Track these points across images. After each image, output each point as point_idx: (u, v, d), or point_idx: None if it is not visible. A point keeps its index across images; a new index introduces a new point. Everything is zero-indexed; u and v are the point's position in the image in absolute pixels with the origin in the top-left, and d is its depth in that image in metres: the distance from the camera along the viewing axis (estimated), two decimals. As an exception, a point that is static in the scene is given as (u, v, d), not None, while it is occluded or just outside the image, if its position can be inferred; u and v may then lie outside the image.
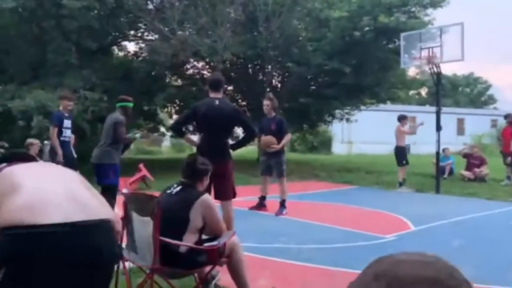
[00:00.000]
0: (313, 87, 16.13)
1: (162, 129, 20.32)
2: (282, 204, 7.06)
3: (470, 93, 52.06)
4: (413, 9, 13.05)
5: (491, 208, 7.68)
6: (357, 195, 9.65)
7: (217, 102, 4.39)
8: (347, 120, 17.94)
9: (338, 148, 28.19)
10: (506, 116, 11.44)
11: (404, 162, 9.89)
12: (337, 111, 17.19)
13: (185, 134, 4.75)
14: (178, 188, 3.05)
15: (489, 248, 5.03)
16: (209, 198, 3.08)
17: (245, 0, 12.50)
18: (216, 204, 3.25)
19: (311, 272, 4.07)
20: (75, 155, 7.03)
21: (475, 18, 68.34)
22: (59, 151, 6.53)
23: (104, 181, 5.78)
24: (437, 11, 13.20)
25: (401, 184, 9.93)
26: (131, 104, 6.08)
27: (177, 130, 4.65)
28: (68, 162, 6.74)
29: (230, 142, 4.90)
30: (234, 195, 4.49)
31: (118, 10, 12.48)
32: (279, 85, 16.71)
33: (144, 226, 2.85)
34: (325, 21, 13.11)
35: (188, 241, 2.88)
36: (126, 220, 3.04)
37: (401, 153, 9.93)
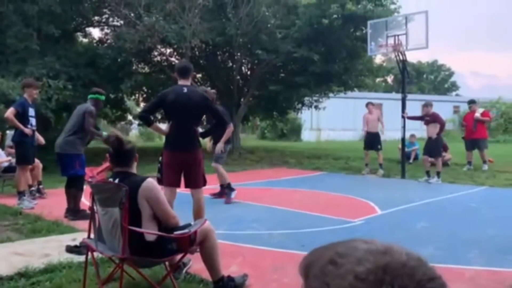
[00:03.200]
0: (283, 75, 16.18)
1: (130, 117, 19.95)
2: (226, 188, 6.96)
3: (434, 80, 53.53)
4: (380, -4, 13.22)
5: (453, 191, 7.99)
6: (326, 181, 9.82)
7: (185, 89, 4.32)
8: (316, 107, 18.13)
9: (308, 135, 28.49)
10: (469, 102, 11.77)
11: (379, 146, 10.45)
12: (306, 98, 17.34)
13: (153, 122, 4.67)
14: (117, 181, 2.86)
15: (451, 229, 5.24)
16: (151, 181, 2.86)
17: (213, -14, 12.32)
18: (159, 188, 3.02)
19: (281, 257, 4.14)
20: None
21: (439, 6, 69.93)
22: (21, 126, 6.20)
23: (69, 172, 5.66)
24: (403, -1, 13.45)
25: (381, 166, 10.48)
26: (103, 97, 6.07)
27: (145, 119, 4.57)
28: (32, 152, 6.55)
29: (200, 130, 4.86)
30: (204, 183, 4.44)
31: (82, -6, 12.06)
32: (248, 72, 16.67)
33: (111, 216, 2.80)
34: (294, 8, 13.13)
35: (147, 227, 2.84)
36: (93, 210, 2.99)
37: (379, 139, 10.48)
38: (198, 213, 4.32)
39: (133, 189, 2.77)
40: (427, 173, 9.24)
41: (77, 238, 4.32)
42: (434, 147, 9.24)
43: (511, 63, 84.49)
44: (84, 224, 4.17)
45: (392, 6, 13.49)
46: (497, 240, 4.72)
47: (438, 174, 9.17)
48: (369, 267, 0.58)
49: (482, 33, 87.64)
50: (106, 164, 9.77)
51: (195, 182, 4.36)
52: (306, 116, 26.77)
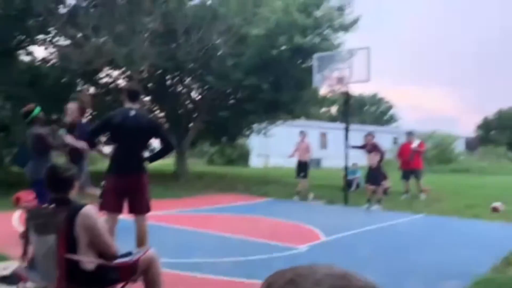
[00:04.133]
0: (232, 101, 16.34)
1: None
2: None
3: (375, 112, 56.28)
4: (326, 32, 13.85)
5: (393, 218, 8.33)
6: (273, 207, 9.90)
7: (133, 112, 4.24)
8: (265, 134, 18.41)
9: (255, 161, 28.72)
10: (408, 133, 12.41)
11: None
12: (255, 125, 17.58)
13: (96, 145, 4.52)
14: (53, 206, 2.73)
15: (391, 256, 5.45)
16: (89, 208, 2.71)
17: (165, 11, 12.35)
18: (101, 216, 2.93)
19: (227, 286, 4.09)
20: None
21: (380, 43, 74.26)
22: None
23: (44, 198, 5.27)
24: (347, 35, 14.18)
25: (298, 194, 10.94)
26: (37, 110, 5.67)
27: (89, 141, 4.42)
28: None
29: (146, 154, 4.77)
30: (149, 209, 4.33)
31: (26, 12, 11.63)
32: (198, 97, 16.69)
33: (47, 243, 2.66)
34: (244, 37, 13.42)
35: (85, 254, 2.71)
36: (27, 237, 2.83)
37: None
38: (141, 241, 4.19)
39: (71, 216, 2.65)
40: (369, 200, 9.59)
41: (9, 267, 4.04)
42: (375, 175, 9.65)
43: (444, 97, 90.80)
44: (17, 252, 3.92)
45: (337, 41, 14.18)
46: (434, 266, 4.95)
47: (379, 201, 9.55)
48: None
49: (420, 69, 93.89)
50: (44, 188, 9.24)
51: (140, 208, 4.24)
52: (254, 142, 27.06)
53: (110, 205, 4.18)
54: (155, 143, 4.91)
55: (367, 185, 9.76)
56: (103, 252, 2.77)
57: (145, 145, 4.53)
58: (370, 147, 9.77)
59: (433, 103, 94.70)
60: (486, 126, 42.48)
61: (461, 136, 37.41)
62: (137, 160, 4.26)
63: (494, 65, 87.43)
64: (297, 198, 10.93)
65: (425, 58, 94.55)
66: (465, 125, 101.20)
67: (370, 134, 10.14)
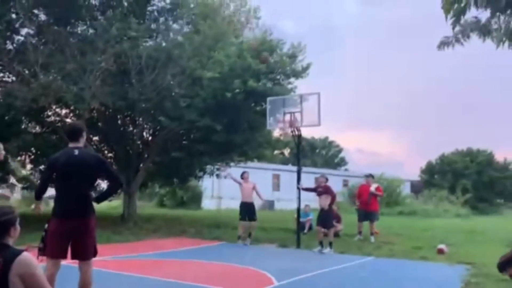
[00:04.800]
0: (185, 142, 16.22)
1: (13, 179, 18.10)
2: None
3: (326, 155, 57.79)
4: (278, 77, 14.31)
5: (344, 261, 8.38)
6: (225, 251, 9.67)
7: (76, 151, 4.13)
8: (217, 175, 18.27)
9: (208, 203, 28.29)
10: (367, 175, 12.72)
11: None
12: (208, 166, 17.45)
13: (40, 198, 4.44)
14: None
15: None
16: (27, 255, 2.53)
17: (118, 51, 12.29)
18: (41, 264, 2.73)
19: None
20: None
21: (331, 87, 77.40)
22: None
23: None
24: (299, 80, 14.71)
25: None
26: None
27: (39, 195, 4.42)
28: None
29: (93, 195, 4.54)
30: (95, 254, 4.12)
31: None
32: (149, 138, 16.43)
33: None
34: (198, 80, 13.55)
35: None
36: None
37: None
38: None
39: (5, 264, 2.44)
40: (321, 243, 9.62)
41: None
42: (327, 218, 9.74)
43: (390, 141, 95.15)
44: None
45: (289, 86, 14.65)
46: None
47: (330, 244, 9.59)
48: None
49: (367, 113, 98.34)
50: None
51: (85, 253, 4.03)
52: (207, 184, 26.74)
53: (53, 250, 3.97)
54: (103, 184, 4.70)
55: (318, 227, 9.81)
56: None
57: (92, 185, 4.39)
58: (322, 189, 9.91)
59: (380, 147, 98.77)
60: (429, 170, 44.66)
61: (406, 179, 39.05)
62: (84, 202, 4.09)
63: (436, 110, 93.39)
64: (247, 241, 10.57)
65: (373, 102, 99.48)
66: (410, 169, 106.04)
67: (322, 176, 10.32)
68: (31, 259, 2.56)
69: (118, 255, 8.29)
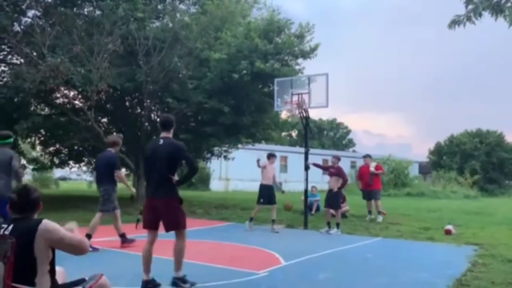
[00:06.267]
0: (193, 124, 16.25)
1: (23, 161, 18.31)
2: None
3: (334, 137, 57.61)
4: (286, 57, 14.19)
5: (351, 242, 8.43)
6: (233, 231, 9.77)
7: (161, 141, 4.81)
8: (225, 157, 18.33)
9: (216, 185, 28.48)
10: (364, 156, 12.72)
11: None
12: (215, 148, 17.49)
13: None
14: (11, 227, 2.58)
15: (350, 279, 5.48)
16: (47, 221, 2.65)
17: (125, 32, 12.23)
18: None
19: (184, 313, 3.94)
20: None
21: (338, 69, 76.81)
22: None
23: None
24: (307, 61, 14.58)
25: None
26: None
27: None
28: None
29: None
30: (184, 226, 4.81)
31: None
32: (158, 119, 16.46)
33: (-5, 272, 2.49)
34: (206, 61, 13.48)
35: (39, 283, 2.57)
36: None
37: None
38: (176, 255, 4.84)
39: (29, 235, 2.52)
40: (328, 224, 9.68)
41: None
42: (335, 199, 9.76)
43: (398, 123, 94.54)
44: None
45: (297, 67, 14.53)
46: (389, 288, 5.02)
47: (337, 225, 9.64)
48: None
49: (375, 95, 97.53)
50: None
51: (172, 225, 4.79)
52: (215, 165, 26.88)
53: (145, 222, 4.83)
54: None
55: (326, 208, 9.85)
56: (77, 253, 2.73)
57: (173, 170, 4.83)
58: (334, 171, 9.87)
59: (388, 129, 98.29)
60: (438, 151, 44.37)
61: (414, 161, 38.88)
62: (166, 184, 4.70)
63: (446, 91, 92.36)
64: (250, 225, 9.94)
65: (380, 84, 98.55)
66: (418, 150, 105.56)
67: (335, 157, 10.24)
68: (51, 223, 2.65)
69: (127, 235, 8.41)
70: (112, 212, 7.23)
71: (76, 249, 2.70)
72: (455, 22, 5.12)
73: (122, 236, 7.32)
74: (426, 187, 28.33)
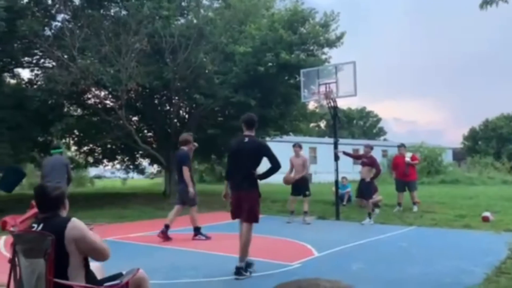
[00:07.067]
0: (221, 118, 16.36)
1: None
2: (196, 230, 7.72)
3: (363, 125, 56.71)
4: (311, 47, 14.03)
5: (385, 232, 8.31)
6: (264, 224, 9.73)
7: (246, 139, 5.26)
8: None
9: (246, 178, 28.59)
10: (399, 145, 12.43)
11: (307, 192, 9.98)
12: (243, 142, 17.55)
13: (227, 179, 5.55)
14: (41, 226, 2.67)
15: (384, 269, 5.42)
16: (75, 220, 2.71)
17: (151, 31, 12.41)
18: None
19: (219, 305, 4.01)
20: None
21: (365, 57, 75.45)
22: None
23: None
24: (333, 50, 14.37)
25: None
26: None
27: (225, 176, 5.60)
28: None
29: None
30: (255, 220, 5.20)
31: (11, 34, 11.59)
32: (186, 116, 16.66)
33: (35, 269, 2.59)
34: (231, 55, 13.51)
35: (75, 278, 2.66)
36: (14, 262, 2.75)
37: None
38: (243, 245, 5.15)
39: (59, 232, 2.60)
40: (369, 214, 9.45)
41: (-6, 294, 3.92)
42: (367, 189, 9.62)
43: (430, 109, 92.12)
44: (3, 278, 3.82)
45: (323, 56, 14.36)
46: (426, 277, 4.93)
47: (369, 215, 9.50)
48: None
49: (405, 82, 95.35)
50: (31, 212, 9.19)
51: (246, 217, 5.16)
52: (244, 159, 26.98)
53: (232, 213, 5.33)
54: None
55: (358, 199, 9.72)
56: (97, 259, 2.80)
57: (256, 166, 5.21)
58: (368, 161, 9.71)
59: (419, 115, 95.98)
60: (473, 137, 43.01)
61: (448, 147, 37.87)
62: (248, 179, 5.13)
63: (478, 74, 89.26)
64: (292, 218, 9.92)
65: (411, 71, 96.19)
66: (451, 137, 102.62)
67: (368, 146, 10.08)
68: (79, 222, 2.72)
69: (155, 230, 8.59)
70: (178, 205, 7.74)
71: (97, 253, 2.77)
72: (487, 2, 4.93)
73: (171, 227, 7.76)
74: (461, 174, 27.54)
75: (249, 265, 5.12)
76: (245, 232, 5.14)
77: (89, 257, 2.79)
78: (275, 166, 5.23)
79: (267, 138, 17.91)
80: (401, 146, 12.23)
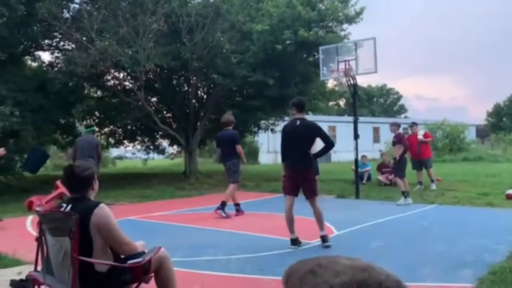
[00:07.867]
0: (239, 98, 16.31)
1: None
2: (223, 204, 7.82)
3: (384, 103, 55.80)
4: (330, 24, 13.75)
5: (405, 210, 8.25)
6: (283, 203, 9.84)
7: (298, 122, 5.49)
8: (272, 130, 18.34)
9: (265, 158, 28.70)
10: (411, 124, 12.18)
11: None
12: (262, 121, 17.52)
13: (284, 160, 5.70)
14: (69, 207, 2.73)
15: (405, 247, 5.40)
16: (103, 207, 2.71)
17: (167, 11, 12.35)
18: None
19: (239, 282, 4.08)
20: None
21: (386, 33, 73.66)
22: None
23: None
24: (352, 26, 14.06)
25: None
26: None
27: (282, 157, 5.73)
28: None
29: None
30: (315, 194, 5.55)
31: (30, 18, 11.69)
32: (204, 96, 16.69)
33: (61, 246, 2.67)
34: (248, 34, 13.37)
35: (100, 256, 2.70)
36: (41, 240, 2.84)
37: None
38: (317, 217, 5.55)
39: (85, 216, 2.64)
40: (403, 193, 9.07)
41: (23, 271, 4.06)
42: (398, 167, 9.35)
43: (452, 86, 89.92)
44: (31, 256, 3.95)
45: (342, 33, 14.07)
46: (448, 256, 4.89)
47: (403, 193, 9.06)
48: (345, 280, 0.60)
49: (426, 58, 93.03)
50: (56, 193, 9.45)
51: (308, 193, 5.54)
52: (263, 139, 27.02)
53: (286, 189, 5.63)
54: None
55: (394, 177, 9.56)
56: (117, 250, 2.78)
57: (310, 146, 5.50)
58: (396, 140, 9.52)
59: (441, 92, 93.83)
60: (497, 113, 41.92)
61: (471, 124, 37.03)
62: (303, 158, 5.41)
63: (504, 51, 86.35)
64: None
65: (432, 47, 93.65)
66: (475, 113, 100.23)
67: (394, 124, 9.85)
68: (106, 210, 2.75)
69: (182, 209, 8.73)
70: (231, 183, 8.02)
71: (118, 245, 2.75)
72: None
73: (237, 205, 8.21)
74: (484, 151, 26.95)
75: (294, 241, 5.43)
76: (315, 205, 5.50)
77: (111, 246, 2.75)
78: (328, 144, 5.51)
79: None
80: (413, 125, 11.96)
